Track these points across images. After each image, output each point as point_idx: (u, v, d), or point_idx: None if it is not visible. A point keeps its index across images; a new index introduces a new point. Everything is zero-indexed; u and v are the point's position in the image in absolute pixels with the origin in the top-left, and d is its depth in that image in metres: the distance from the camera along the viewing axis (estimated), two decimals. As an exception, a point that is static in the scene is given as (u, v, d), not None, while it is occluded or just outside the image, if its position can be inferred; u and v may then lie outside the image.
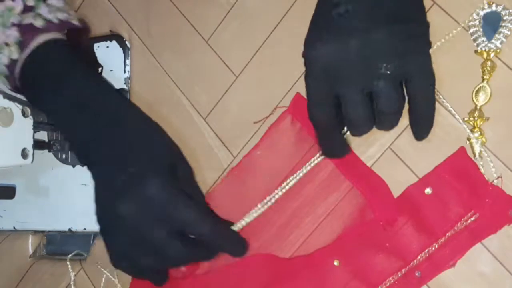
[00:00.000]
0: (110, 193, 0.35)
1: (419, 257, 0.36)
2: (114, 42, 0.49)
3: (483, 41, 0.35)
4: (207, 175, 0.45)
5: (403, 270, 0.36)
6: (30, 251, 0.53)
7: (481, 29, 0.35)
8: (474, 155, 0.36)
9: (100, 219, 0.36)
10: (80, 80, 0.37)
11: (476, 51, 0.36)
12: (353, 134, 0.33)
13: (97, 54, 0.49)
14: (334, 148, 0.35)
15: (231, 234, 0.37)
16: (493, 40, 0.35)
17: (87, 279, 0.49)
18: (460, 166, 0.36)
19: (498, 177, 0.35)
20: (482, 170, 0.35)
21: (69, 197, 0.50)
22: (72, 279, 0.49)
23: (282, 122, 0.41)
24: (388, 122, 0.32)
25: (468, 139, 0.36)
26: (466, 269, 0.36)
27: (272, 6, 0.43)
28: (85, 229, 0.49)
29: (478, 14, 0.35)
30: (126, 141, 0.36)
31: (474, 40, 0.36)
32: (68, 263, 0.49)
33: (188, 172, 0.39)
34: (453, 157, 0.36)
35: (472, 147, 0.36)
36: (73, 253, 0.49)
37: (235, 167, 0.43)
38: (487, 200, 0.35)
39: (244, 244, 0.37)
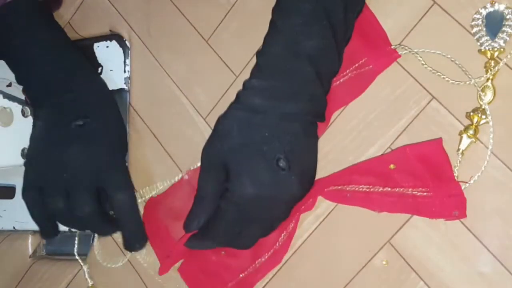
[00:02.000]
0: (55, 136, 0.41)
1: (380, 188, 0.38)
2: (114, 42, 0.49)
3: (486, 40, 0.35)
4: (207, 175, 0.45)
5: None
6: (30, 251, 0.53)
7: (484, 29, 0.35)
8: (458, 150, 0.36)
9: (32, 151, 0.42)
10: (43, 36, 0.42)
11: (479, 51, 0.36)
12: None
13: (97, 54, 0.49)
14: None
15: (139, 221, 0.43)
16: (496, 39, 0.35)
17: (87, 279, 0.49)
18: (431, 154, 0.36)
19: (467, 182, 0.35)
20: (457, 166, 0.36)
21: (69, 197, 0.50)
22: (86, 273, 0.49)
23: None
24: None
25: (460, 133, 0.36)
26: (466, 269, 0.36)
27: (272, 6, 0.43)
28: (85, 229, 0.49)
29: (480, 14, 0.36)
30: (78, 96, 0.42)
31: (478, 40, 0.36)
32: (81, 262, 0.49)
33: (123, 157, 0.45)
34: (426, 144, 0.36)
35: (459, 142, 0.36)
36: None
37: None
38: (444, 189, 0.35)
39: (143, 239, 0.43)
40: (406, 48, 0.38)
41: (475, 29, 0.36)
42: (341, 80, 0.40)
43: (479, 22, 0.35)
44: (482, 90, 0.35)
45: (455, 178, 0.36)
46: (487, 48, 0.35)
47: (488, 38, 0.35)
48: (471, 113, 0.36)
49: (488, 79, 0.35)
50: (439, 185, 0.36)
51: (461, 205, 0.35)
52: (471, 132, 0.35)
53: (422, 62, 0.37)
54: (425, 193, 0.36)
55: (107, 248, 0.48)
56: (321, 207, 0.40)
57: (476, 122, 0.35)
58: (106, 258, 0.48)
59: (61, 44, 0.44)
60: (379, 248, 0.38)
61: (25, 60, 0.42)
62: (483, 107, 0.35)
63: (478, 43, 0.36)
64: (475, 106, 0.36)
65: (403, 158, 0.37)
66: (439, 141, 0.36)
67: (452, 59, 0.37)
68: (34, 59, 0.42)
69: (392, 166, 0.37)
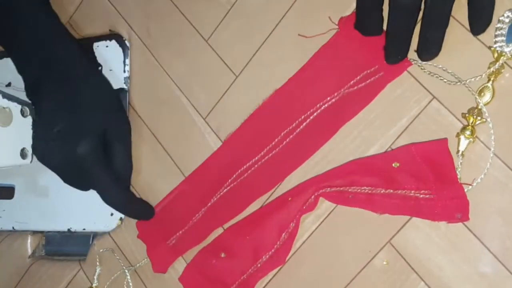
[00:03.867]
0: (44, 142, 0.43)
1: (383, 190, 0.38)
2: (113, 41, 0.48)
3: (501, 40, 0.35)
4: (207, 175, 0.45)
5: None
6: (29, 252, 0.53)
7: (506, 30, 0.34)
8: (457, 152, 0.36)
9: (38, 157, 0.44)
10: (38, 24, 0.43)
11: (490, 47, 0.35)
12: (395, 25, 0.34)
13: (96, 54, 0.49)
14: (370, 24, 0.37)
15: (136, 206, 0.45)
16: (510, 45, 0.34)
17: (86, 279, 0.49)
18: (436, 153, 0.36)
19: (471, 184, 0.35)
20: (459, 168, 0.36)
21: (68, 197, 0.50)
22: (97, 274, 0.49)
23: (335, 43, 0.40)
24: (439, 15, 0.33)
25: (457, 135, 0.36)
26: (467, 269, 0.36)
27: (272, 5, 0.43)
28: (84, 229, 0.49)
29: (509, 16, 0.34)
30: (68, 95, 0.43)
31: (495, 36, 0.35)
32: (97, 262, 0.49)
33: (118, 138, 0.45)
34: (432, 143, 0.36)
35: (458, 143, 0.36)
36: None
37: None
38: (447, 191, 0.35)
39: (147, 211, 0.45)
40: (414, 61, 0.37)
41: (498, 25, 0.35)
42: (350, 90, 0.39)
43: (506, 20, 0.34)
44: (481, 91, 0.35)
45: (458, 180, 0.36)
46: (497, 48, 0.35)
47: (504, 39, 0.34)
48: (467, 114, 0.36)
49: (489, 80, 0.35)
50: (442, 187, 0.35)
51: (464, 207, 0.35)
52: (468, 133, 0.35)
53: (422, 67, 0.37)
54: (427, 196, 0.36)
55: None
56: (321, 207, 0.40)
57: (472, 123, 0.35)
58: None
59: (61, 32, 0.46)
60: (380, 248, 0.38)
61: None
62: (479, 107, 0.35)
63: (494, 40, 0.35)
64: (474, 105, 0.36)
65: (408, 157, 0.36)
66: (444, 141, 0.36)
67: (444, 68, 0.37)
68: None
69: (396, 164, 0.37)
